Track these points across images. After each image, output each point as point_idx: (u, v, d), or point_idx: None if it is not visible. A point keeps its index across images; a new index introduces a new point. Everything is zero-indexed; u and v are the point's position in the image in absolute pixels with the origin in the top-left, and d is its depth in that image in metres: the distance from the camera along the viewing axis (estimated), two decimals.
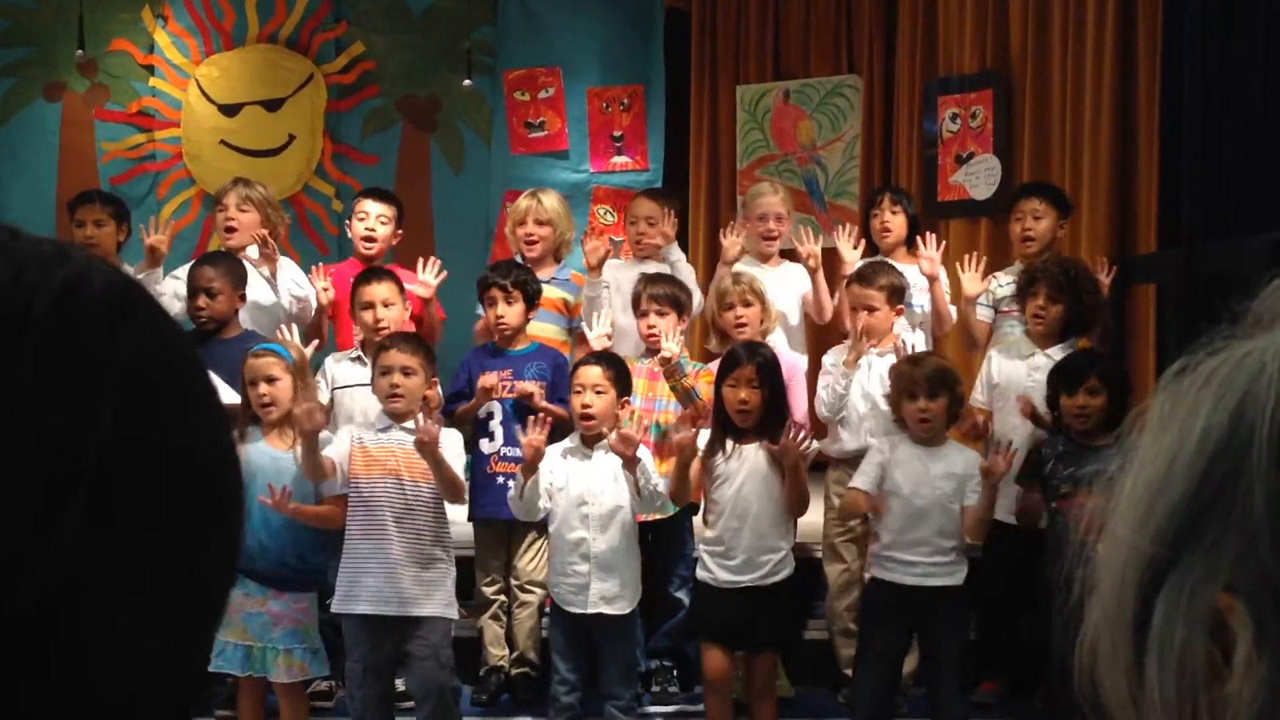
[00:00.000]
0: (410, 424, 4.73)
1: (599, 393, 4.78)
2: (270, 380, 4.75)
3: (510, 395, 5.33)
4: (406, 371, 4.71)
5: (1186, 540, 0.62)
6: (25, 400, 0.56)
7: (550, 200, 5.87)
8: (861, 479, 4.90)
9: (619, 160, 7.61)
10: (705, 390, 5.18)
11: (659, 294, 5.37)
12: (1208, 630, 0.61)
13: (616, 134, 7.62)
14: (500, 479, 5.22)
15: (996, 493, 4.74)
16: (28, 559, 0.55)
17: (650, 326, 5.34)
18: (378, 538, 4.68)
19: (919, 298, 5.70)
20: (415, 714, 4.77)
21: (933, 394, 4.74)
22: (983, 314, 5.72)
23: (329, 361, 5.47)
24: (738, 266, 5.75)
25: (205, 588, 0.64)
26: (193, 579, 0.63)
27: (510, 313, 5.33)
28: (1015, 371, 5.34)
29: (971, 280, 5.67)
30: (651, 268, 5.77)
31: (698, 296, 5.80)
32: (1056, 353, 5.21)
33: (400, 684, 4.93)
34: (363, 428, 4.84)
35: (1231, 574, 0.60)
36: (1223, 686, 0.60)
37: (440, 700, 4.72)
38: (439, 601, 4.70)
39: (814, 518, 5.41)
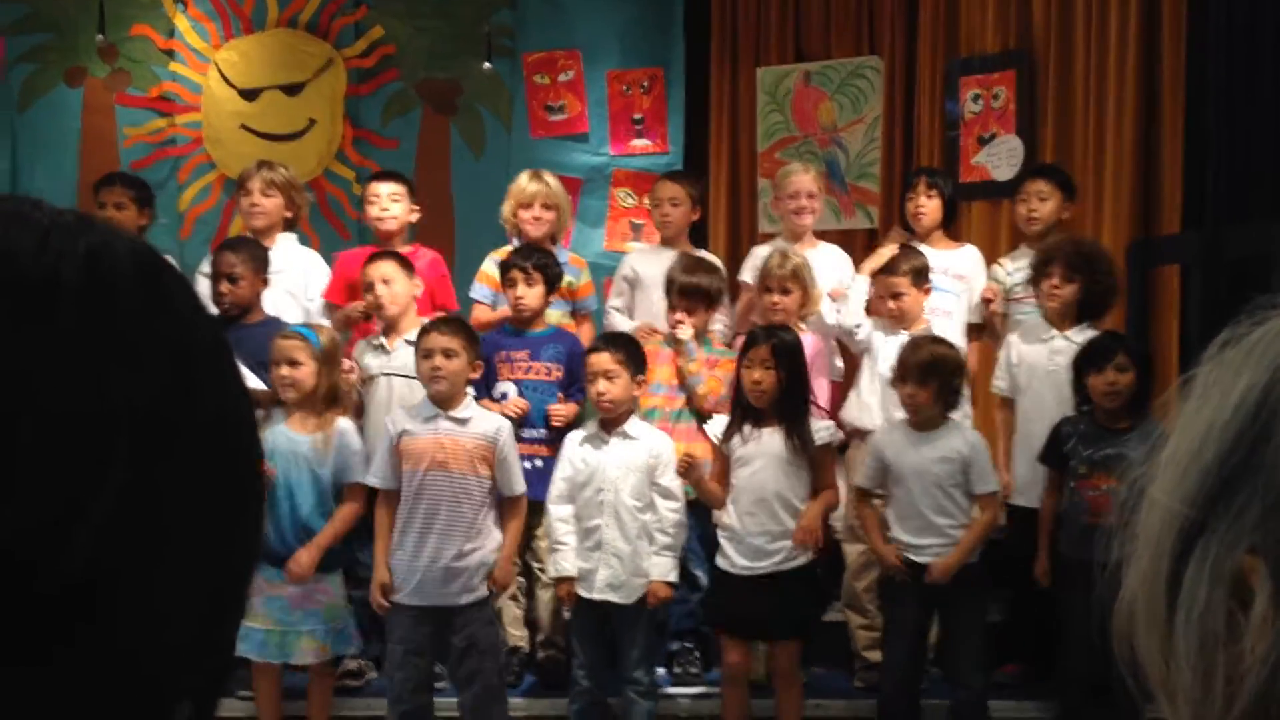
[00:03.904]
0: (456, 412, 4.75)
1: (611, 378, 4.78)
2: (293, 363, 4.76)
3: (527, 376, 5.34)
4: (448, 354, 4.71)
5: (1216, 503, 0.63)
6: (60, 365, 0.56)
7: (555, 183, 5.90)
8: (862, 478, 4.96)
9: (639, 143, 7.59)
10: (713, 384, 5.21)
11: (690, 288, 5.36)
12: (1230, 591, 0.62)
13: (636, 117, 7.60)
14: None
15: (977, 537, 4.82)
16: (69, 528, 0.55)
17: (679, 321, 5.35)
18: (424, 531, 4.70)
19: (946, 283, 5.70)
20: (458, 701, 4.78)
21: (921, 380, 4.78)
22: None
23: (356, 351, 5.47)
24: (785, 246, 5.76)
25: (233, 563, 0.64)
26: (221, 554, 0.63)
27: (530, 294, 5.34)
28: (1036, 355, 5.33)
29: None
30: (671, 254, 5.76)
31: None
32: (1075, 334, 5.20)
33: (438, 668, 4.95)
34: (406, 417, 4.84)
35: (1255, 535, 0.62)
36: (1238, 645, 0.62)
37: (485, 686, 4.75)
38: (481, 588, 4.72)
39: None
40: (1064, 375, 5.14)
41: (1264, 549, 0.61)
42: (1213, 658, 0.63)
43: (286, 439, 4.79)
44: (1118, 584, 0.68)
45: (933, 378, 4.78)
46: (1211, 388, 0.66)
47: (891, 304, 5.36)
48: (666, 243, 6.00)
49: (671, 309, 5.40)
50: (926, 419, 4.85)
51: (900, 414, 5.09)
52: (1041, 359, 5.31)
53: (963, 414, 5.15)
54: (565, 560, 4.85)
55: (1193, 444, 0.65)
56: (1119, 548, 0.68)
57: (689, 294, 5.37)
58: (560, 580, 4.89)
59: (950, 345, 5.07)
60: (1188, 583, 0.64)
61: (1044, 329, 5.37)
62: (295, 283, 5.81)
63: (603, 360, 4.82)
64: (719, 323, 5.84)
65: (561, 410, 5.27)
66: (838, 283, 5.81)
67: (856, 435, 5.39)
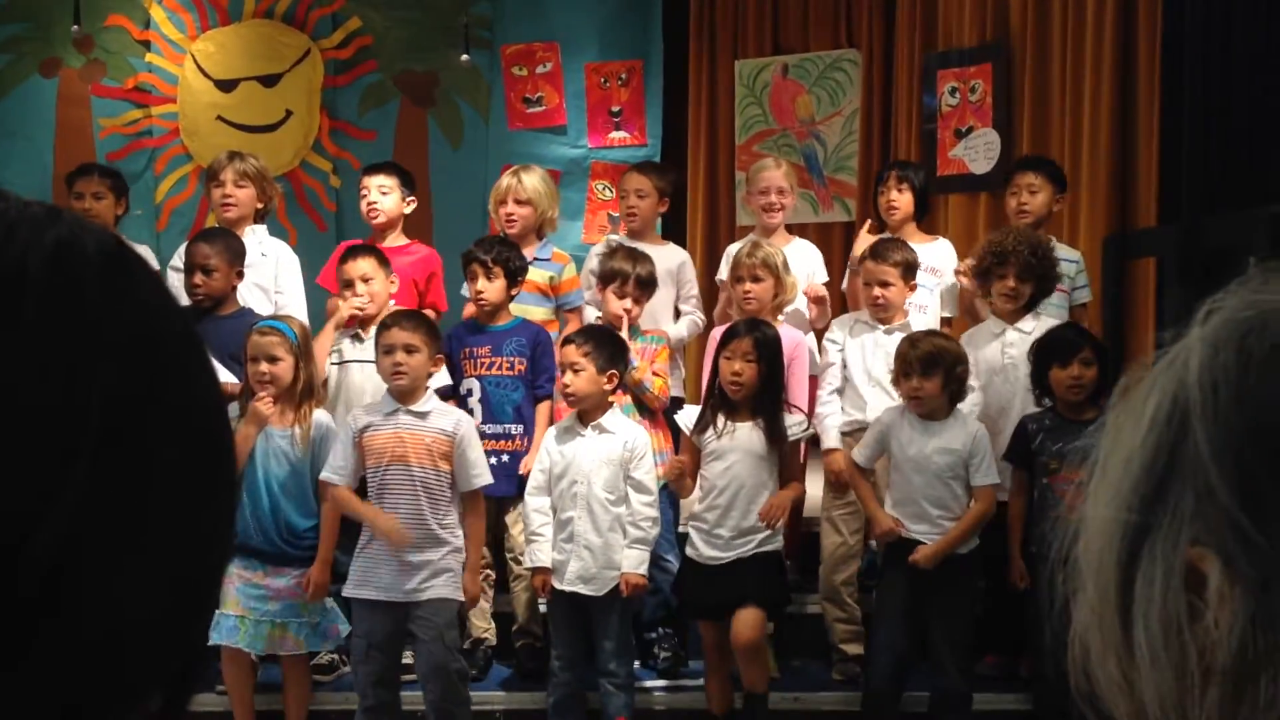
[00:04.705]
0: (416, 406, 4.74)
1: (576, 370, 4.78)
2: (272, 360, 4.74)
3: (490, 372, 5.33)
4: (410, 349, 4.70)
5: (1153, 504, 0.67)
6: (27, 358, 0.56)
7: (531, 179, 5.82)
8: (859, 451, 4.96)
9: (617, 135, 7.58)
10: (660, 385, 5.22)
11: (644, 277, 5.34)
12: (1184, 582, 0.65)
13: (615, 109, 7.59)
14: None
15: (963, 533, 4.83)
16: (38, 517, 0.55)
17: (627, 310, 5.32)
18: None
19: (920, 277, 5.69)
20: (423, 695, 4.78)
21: (925, 373, 4.77)
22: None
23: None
24: (755, 239, 5.73)
25: (203, 553, 0.63)
26: (190, 543, 0.62)
27: (490, 288, 5.32)
28: (990, 354, 5.34)
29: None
30: (641, 245, 5.73)
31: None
32: (1027, 324, 5.22)
33: (408, 656, 4.94)
34: (365, 413, 4.83)
35: (1196, 523, 0.65)
36: (1202, 621, 0.64)
37: (447, 681, 4.74)
38: (445, 584, 4.71)
39: (813, 490, 5.43)
40: (1020, 367, 5.16)
41: (1205, 536, 0.64)
42: (1181, 641, 0.65)
43: (265, 434, 4.77)
44: (1068, 614, 0.72)
45: (936, 369, 4.78)
46: (1124, 420, 0.71)
47: (878, 291, 5.32)
48: (633, 235, 5.94)
49: (623, 297, 5.34)
50: (933, 410, 4.85)
51: (873, 409, 5.14)
52: (995, 355, 5.32)
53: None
54: (541, 551, 4.85)
55: (1117, 469, 0.70)
56: (1062, 583, 0.72)
57: (644, 284, 5.35)
58: (536, 571, 4.89)
59: (950, 337, 5.08)
60: (1140, 584, 0.66)
61: (995, 323, 5.38)
62: (265, 275, 5.78)
63: (567, 353, 4.85)
64: (687, 316, 5.86)
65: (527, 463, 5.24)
66: (809, 278, 5.81)
67: (842, 435, 5.40)
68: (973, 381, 5.22)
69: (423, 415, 4.76)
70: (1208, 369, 0.66)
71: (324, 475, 4.79)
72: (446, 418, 4.82)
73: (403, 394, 4.75)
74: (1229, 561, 0.63)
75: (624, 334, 5.25)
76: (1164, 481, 0.67)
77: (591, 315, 5.73)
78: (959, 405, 4.93)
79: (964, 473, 4.83)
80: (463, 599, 4.80)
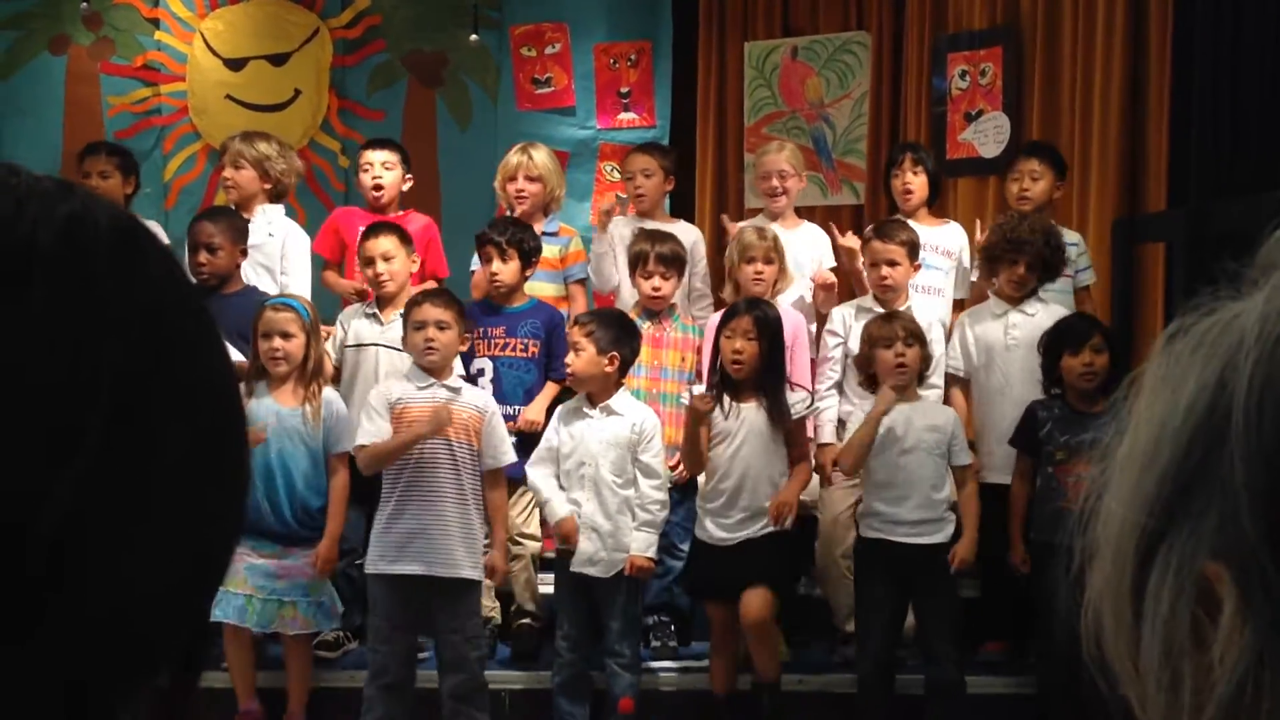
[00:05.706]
0: (449, 381, 4.76)
1: (578, 351, 4.79)
2: (285, 336, 4.77)
3: (504, 353, 5.34)
4: (441, 326, 4.74)
5: (1175, 510, 0.62)
6: (36, 333, 0.56)
7: (541, 156, 5.85)
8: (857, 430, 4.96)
9: (626, 117, 7.57)
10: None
11: (666, 254, 5.35)
12: (1196, 599, 0.61)
13: (624, 90, 7.57)
14: None
15: (976, 522, 4.86)
16: (46, 492, 0.55)
17: (656, 289, 5.33)
18: (425, 499, 4.69)
19: (935, 260, 5.69)
20: (439, 679, 4.79)
21: (908, 342, 4.79)
22: None
23: (343, 315, 5.46)
24: (764, 224, 5.73)
25: (211, 530, 0.63)
26: (198, 520, 0.62)
27: (505, 270, 5.33)
28: (992, 334, 5.33)
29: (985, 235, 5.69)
30: (650, 224, 5.74)
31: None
32: (1031, 306, 5.23)
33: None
34: (399, 386, 4.83)
35: (1216, 542, 0.61)
36: (1205, 654, 0.61)
37: (468, 671, 4.75)
38: (471, 564, 4.73)
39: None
40: (1024, 350, 5.16)
41: (1225, 556, 0.60)
42: (1179, 667, 0.62)
43: (274, 413, 4.78)
44: (1083, 583, 0.68)
45: (916, 340, 4.81)
46: (1162, 385, 0.65)
47: (885, 271, 5.31)
48: (643, 215, 5.96)
49: (648, 276, 5.36)
50: (910, 385, 4.87)
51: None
52: (998, 336, 5.31)
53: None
54: (556, 504, 4.83)
55: (1147, 446, 0.64)
56: (1080, 550, 0.67)
57: (667, 260, 5.36)
58: (560, 522, 4.83)
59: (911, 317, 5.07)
60: (1151, 591, 0.63)
61: (996, 305, 5.37)
62: (271, 255, 5.79)
63: (572, 333, 4.88)
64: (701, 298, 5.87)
65: (529, 415, 5.26)
66: (817, 263, 5.80)
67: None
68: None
69: (456, 391, 4.81)
70: (1260, 374, 0.60)
71: (357, 442, 4.78)
72: (477, 395, 4.89)
73: (435, 369, 4.77)
74: (1245, 595, 0.60)
75: (662, 315, 5.30)
76: (1190, 488, 0.62)
77: (628, 299, 5.67)
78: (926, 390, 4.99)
79: (945, 452, 4.85)
80: (484, 579, 4.83)
